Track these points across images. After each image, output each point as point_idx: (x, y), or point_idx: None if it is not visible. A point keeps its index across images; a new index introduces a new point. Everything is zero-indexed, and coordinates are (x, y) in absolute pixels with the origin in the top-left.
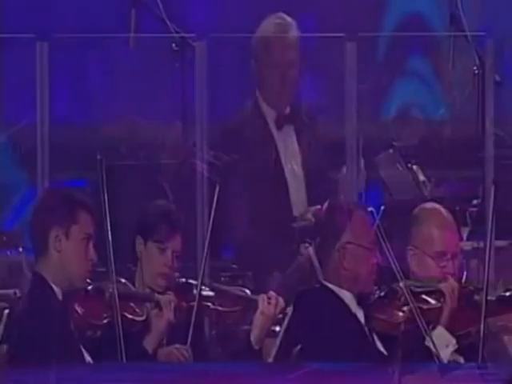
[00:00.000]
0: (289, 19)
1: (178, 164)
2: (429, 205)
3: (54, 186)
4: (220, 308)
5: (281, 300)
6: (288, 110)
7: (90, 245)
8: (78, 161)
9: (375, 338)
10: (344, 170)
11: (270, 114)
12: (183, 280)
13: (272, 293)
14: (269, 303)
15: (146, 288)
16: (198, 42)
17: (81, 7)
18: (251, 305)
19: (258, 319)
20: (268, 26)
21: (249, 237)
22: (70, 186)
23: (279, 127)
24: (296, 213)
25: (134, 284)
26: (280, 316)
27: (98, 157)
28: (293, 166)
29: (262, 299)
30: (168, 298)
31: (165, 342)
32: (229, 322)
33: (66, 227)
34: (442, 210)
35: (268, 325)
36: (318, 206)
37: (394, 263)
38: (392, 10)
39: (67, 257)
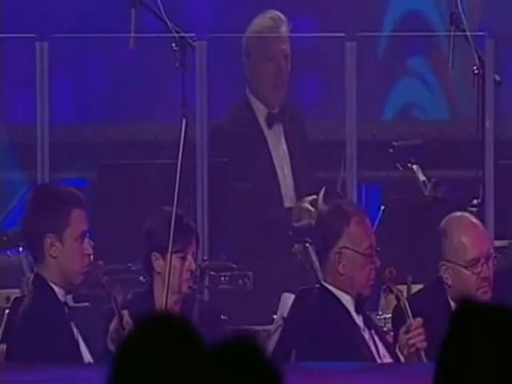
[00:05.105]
0: (280, 15)
1: (177, 164)
2: (455, 215)
3: (39, 184)
4: None
5: None
6: (279, 108)
7: (86, 240)
8: (78, 161)
9: (376, 339)
10: (343, 170)
11: (261, 111)
12: None
13: None
14: None
15: (171, 294)
16: (198, 42)
17: (81, 7)
18: None
19: None
20: (259, 21)
21: (245, 236)
22: (64, 184)
23: (270, 125)
24: (287, 205)
25: (152, 294)
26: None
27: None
28: (283, 165)
29: None
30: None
31: None
32: None
33: (59, 232)
34: (470, 216)
35: None
36: (314, 196)
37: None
38: (392, 10)
39: (64, 260)
